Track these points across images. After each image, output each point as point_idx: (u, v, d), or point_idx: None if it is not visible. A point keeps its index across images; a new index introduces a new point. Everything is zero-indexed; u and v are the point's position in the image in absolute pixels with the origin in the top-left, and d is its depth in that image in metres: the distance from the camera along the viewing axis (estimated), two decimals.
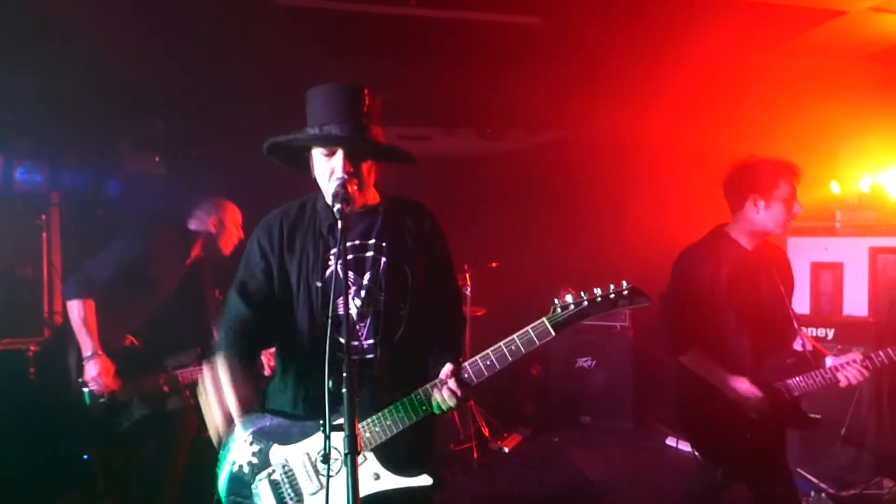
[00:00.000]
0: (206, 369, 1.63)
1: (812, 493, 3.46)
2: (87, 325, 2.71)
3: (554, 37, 3.30)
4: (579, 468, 4.10)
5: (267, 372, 2.68)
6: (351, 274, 1.73)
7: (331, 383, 1.35)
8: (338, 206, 1.56)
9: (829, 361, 2.33)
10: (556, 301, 1.67)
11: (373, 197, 1.82)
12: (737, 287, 2.32)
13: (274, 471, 1.70)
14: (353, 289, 1.74)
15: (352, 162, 1.67)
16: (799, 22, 3.16)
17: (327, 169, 1.68)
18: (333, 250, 1.73)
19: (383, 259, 1.76)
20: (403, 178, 2.18)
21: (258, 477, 1.70)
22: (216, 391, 1.59)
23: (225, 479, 1.73)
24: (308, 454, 1.70)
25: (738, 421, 2.29)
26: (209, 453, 1.80)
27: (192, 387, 2.88)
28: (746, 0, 2.90)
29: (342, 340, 1.57)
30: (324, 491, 1.61)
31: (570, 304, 1.66)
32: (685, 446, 4.23)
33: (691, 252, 2.42)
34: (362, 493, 1.25)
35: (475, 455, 4.09)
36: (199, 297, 3.07)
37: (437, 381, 1.68)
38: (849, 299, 3.86)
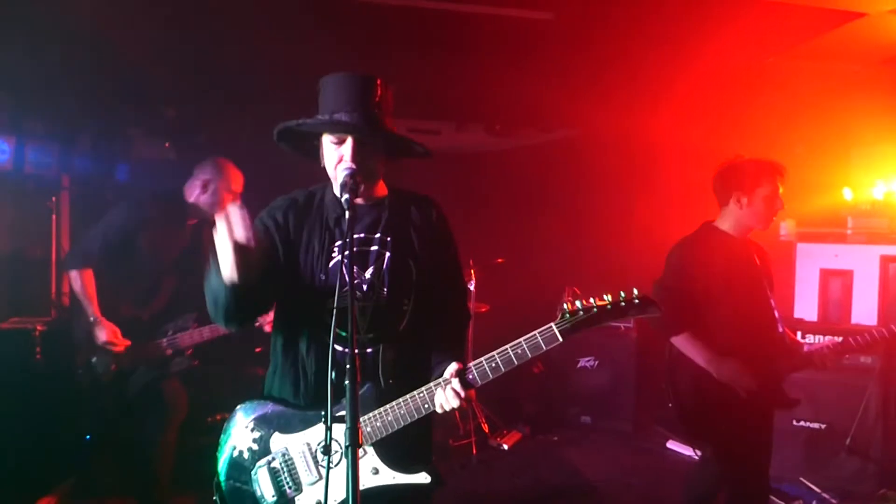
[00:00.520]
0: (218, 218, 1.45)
1: (814, 503, 3.43)
2: (87, 294, 2.83)
3: (566, 32, 3.27)
4: (577, 468, 4.09)
5: (267, 329, 2.67)
6: (354, 267, 1.71)
7: (333, 374, 1.35)
8: (346, 196, 1.56)
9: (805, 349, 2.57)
10: (564, 306, 1.63)
11: (380, 190, 1.81)
12: (728, 272, 2.48)
13: (273, 458, 1.70)
14: (356, 282, 1.72)
15: (361, 151, 1.65)
16: (817, 24, 3.13)
17: (336, 156, 1.66)
18: (338, 242, 1.72)
19: (387, 254, 1.74)
20: (411, 172, 2.17)
21: (258, 464, 1.70)
22: (229, 229, 1.42)
23: (225, 462, 1.74)
24: (308, 444, 1.70)
25: (727, 399, 2.40)
26: (211, 436, 1.80)
27: (195, 347, 2.99)
28: (764, 0, 2.87)
29: (343, 334, 1.57)
30: (322, 482, 1.61)
31: (579, 309, 1.62)
32: (686, 449, 4.22)
33: (684, 244, 2.61)
34: (360, 486, 1.24)
35: (474, 451, 4.09)
36: (198, 260, 3.09)
37: (441, 380, 1.66)
38: (858, 307, 3.83)
